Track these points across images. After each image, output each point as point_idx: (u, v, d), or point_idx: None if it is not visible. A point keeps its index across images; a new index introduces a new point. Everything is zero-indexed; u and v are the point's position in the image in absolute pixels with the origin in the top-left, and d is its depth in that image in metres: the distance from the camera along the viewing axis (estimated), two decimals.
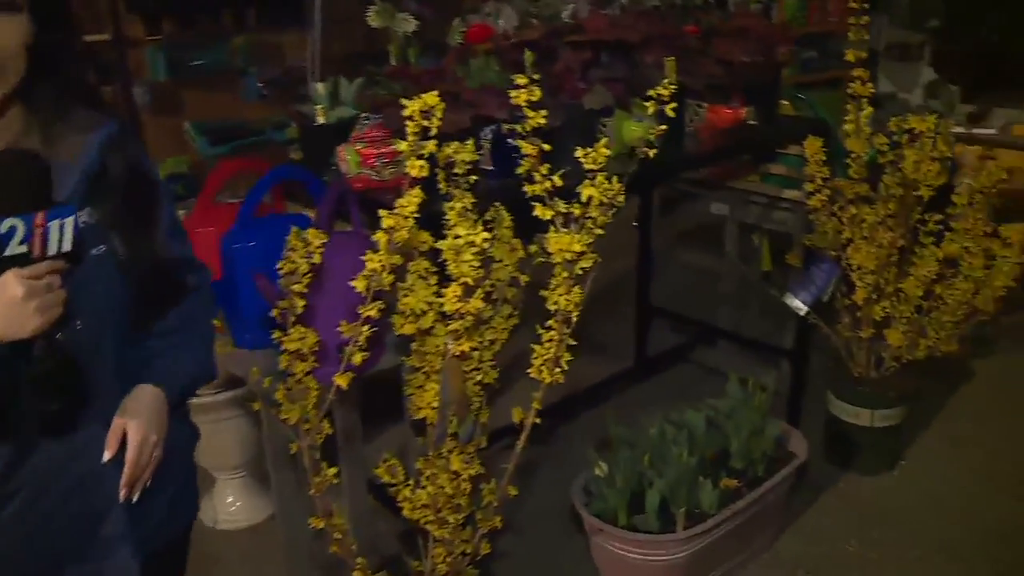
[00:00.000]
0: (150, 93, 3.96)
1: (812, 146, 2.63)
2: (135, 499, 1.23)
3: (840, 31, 5.71)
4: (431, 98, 1.46)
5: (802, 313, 2.78)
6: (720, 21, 2.69)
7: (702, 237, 4.43)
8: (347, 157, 2.10)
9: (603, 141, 1.57)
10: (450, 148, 1.74)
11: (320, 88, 2.25)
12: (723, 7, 3.19)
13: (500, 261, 1.88)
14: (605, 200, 1.59)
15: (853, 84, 2.57)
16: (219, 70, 4.12)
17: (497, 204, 1.88)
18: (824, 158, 2.63)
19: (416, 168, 1.47)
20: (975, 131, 4.11)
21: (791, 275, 2.94)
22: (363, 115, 2.16)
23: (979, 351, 3.50)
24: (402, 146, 1.48)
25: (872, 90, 2.59)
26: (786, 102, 3.22)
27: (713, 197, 3.50)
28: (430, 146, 1.48)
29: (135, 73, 3.93)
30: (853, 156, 2.62)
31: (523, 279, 1.89)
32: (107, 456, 1.19)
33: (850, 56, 2.55)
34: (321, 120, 2.24)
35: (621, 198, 1.62)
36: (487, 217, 1.86)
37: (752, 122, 2.69)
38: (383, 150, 2.09)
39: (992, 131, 4.11)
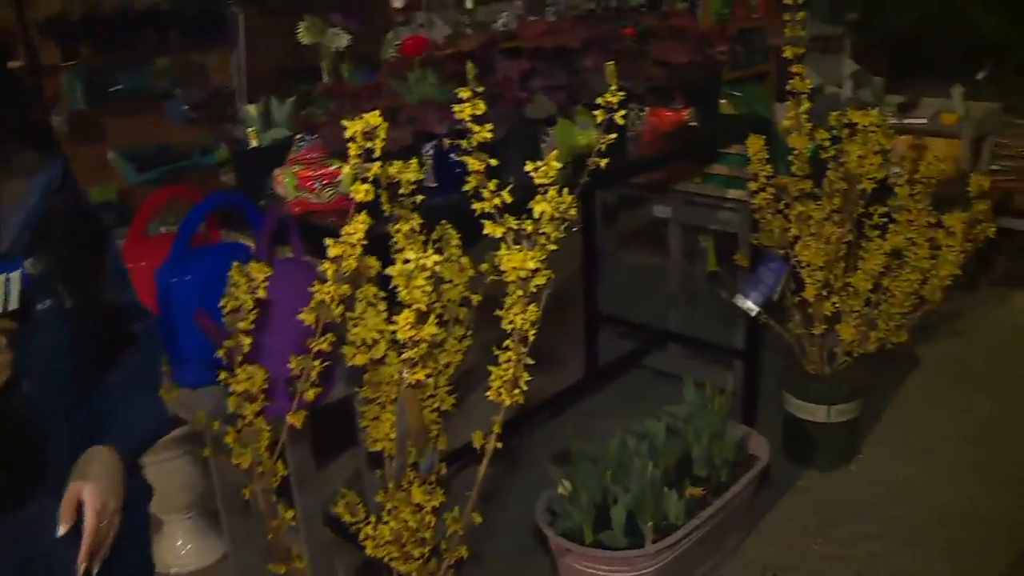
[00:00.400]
0: (69, 121, 3.81)
1: (755, 145, 2.62)
2: (95, 572, 1.14)
3: (764, 26, 5.79)
4: (374, 118, 1.39)
5: (753, 314, 2.76)
6: (657, 22, 2.65)
7: (646, 240, 4.42)
8: (284, 180, 2.02)
9: (553, 154, 1.52)
10: (394, 168, 1.66)
11: (251, 110, 2.16)
12: (656, 7, 3.17)
13: (450, 281, 1.82)
14: (557, 214, 1.54)
15: (792, 80, 2.56)
16: (142, 94, 3.98)
17: (444, 223, 1.82)
18: (767, 156, 2.62)
19: (361, 192, 1.40)
20: (907, 121, 4.15)
21: (740, 275, 2.93)
22: (298, 136, 2.08)
23: (922, 337, 3.53)
24: (345, 169, 1.41)
25: (811, 85, 2.58)
26: (722, 100, 3.21)
27: (656, 200, 3.47)
28: (375, 168, 1.41)
29: (53, 101, 3.78)
30: (796, 153, 2.61)
31: (475, 299, 1.83)
32: (62, 530, 1.09)
33: (788, 52, 2.53)
34: (254, 143, 2.16)
35: (573, 211, 1.57)
36: (434, 236, 1.80)
37: (693, 123, 2.67)
38: (321, 171, 2.01)
39: (923, 120, 4.15)
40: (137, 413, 1.24)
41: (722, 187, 3.21)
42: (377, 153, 1.40)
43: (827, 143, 2.59)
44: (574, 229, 3.12)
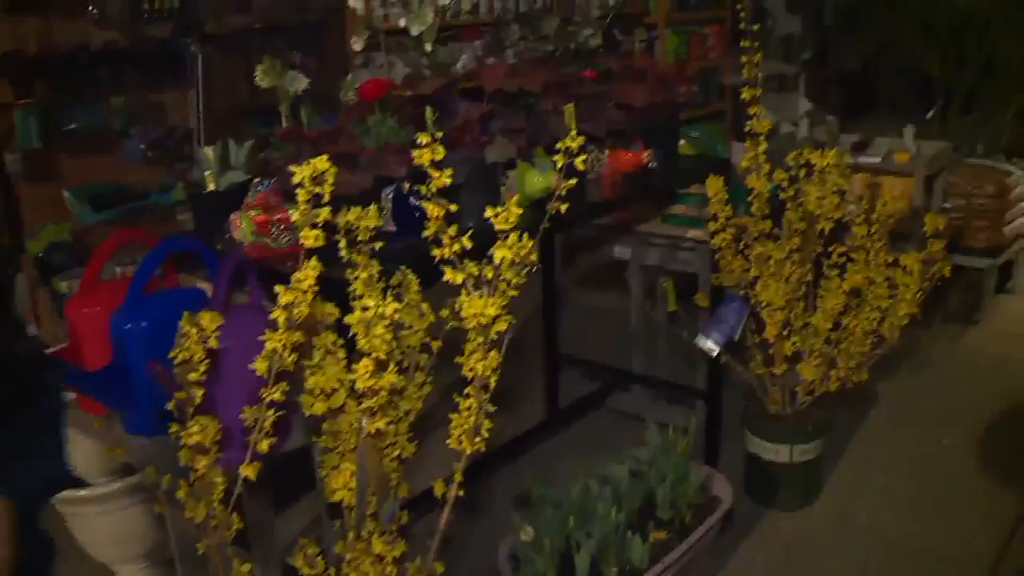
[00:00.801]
0: (23, 160, 3.75)
1: (714, 185, 2.63)
2: None
3: (720, 65, 5.88)
4: (321, 162, 1.37)
5: (714, 354, 2.76)
6: (617, 64, 2.66)
7: (606, 281, 4.42)
8: (241, 225, 1.99)
9: (514, 199, 1.52)
10: (352, 214, 1.64)
11: (208, 152, 2.13)
12: (614, 49, 3.18)
13: (410, 327, 1.79)
14: (518, 259, 1.53)
15: (750, 121, 2.58)
16: (98, 132, 3.93)
17: (403, 268, 1.79)
18: (726, 196, 2.64)
19: (311, 238, 1.38)
20: (861, 160, 4.21)
21: (700, 316, 2.93)
22: (255, 180, 2.06)
23: (880, 374, 3.55)
24: (295, 215, 1.39)
25: (769, 125, 2.60)
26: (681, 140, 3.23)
27: (615, 241, 3.47)
28: (324, 213, 1.39)
29: (5, 139, 3.72)
30: (755, 193, 2.62)
31: (435, 345, 1.80)
32: None
33: (746, 94, 2.56)
34: (211, 186, 2.12)
35: (533, 257, 1.56)
36: (393, 282, 1.77)
37: (652, 164, 2.67)
38: (279, 216, 1.98)
39: (877, 159, 4.21)
40: (37, 464, 1.20)
41: (682, 227, 3.21)
42: (326, 198, 1.38)
43: (785, 183, 2.61)
44: (533, 271, 3.11)
